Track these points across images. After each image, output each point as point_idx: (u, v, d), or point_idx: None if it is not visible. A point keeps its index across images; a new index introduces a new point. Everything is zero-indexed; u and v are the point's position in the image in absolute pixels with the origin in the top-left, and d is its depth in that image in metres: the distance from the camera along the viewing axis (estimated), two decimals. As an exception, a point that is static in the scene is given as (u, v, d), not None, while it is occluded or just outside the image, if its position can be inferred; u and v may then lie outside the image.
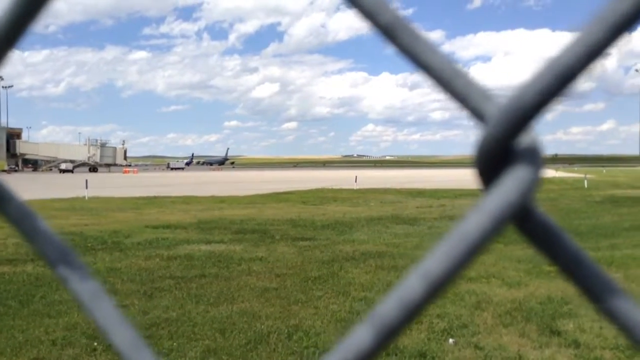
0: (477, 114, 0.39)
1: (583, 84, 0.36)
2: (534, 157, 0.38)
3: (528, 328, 5.64)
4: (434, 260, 0.37)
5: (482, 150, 0.38)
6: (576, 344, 5.14)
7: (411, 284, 0.37)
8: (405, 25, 0.40)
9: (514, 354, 4.96)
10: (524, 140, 0.38)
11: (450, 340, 5.32)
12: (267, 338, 5.41)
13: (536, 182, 0.38)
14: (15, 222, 0.49)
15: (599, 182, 41.33)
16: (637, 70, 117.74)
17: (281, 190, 30.27)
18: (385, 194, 28.20)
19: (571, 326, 5.63)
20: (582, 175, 44.98)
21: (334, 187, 33.54)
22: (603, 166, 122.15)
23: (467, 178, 54.08)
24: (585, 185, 34.47)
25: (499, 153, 0.38)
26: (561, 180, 46.21)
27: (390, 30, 0.40)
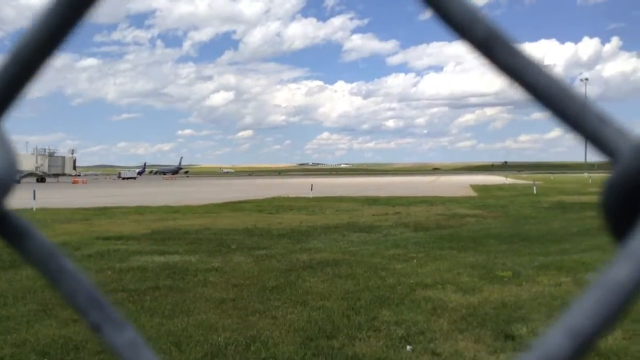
0: (604, 148, 0.35)
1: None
2: None
3: (483, 333, 5.73)
4: (581, 315, 0.33)
5: (617, 190, 0.35)
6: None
7: (557, 342, 0.32)
8: (503, 40, 0.37)
9: (469, 359, 5.03)
10: None
11: (408, 347, 5.35)
12: (224, 350, 5.32)
13: None
14: (38, 262, 0.43)
15: (548, 189, 42.65)
16: (581, 80, 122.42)
17: (236, 199, 30.02)
18: (341, 202, 28.33)
19: (525, 330, 5.75)
20: (531, 182, 46.32)
21: (290, 196, 33.48)
22: (551, 173, 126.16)
23: (420, 186, 54.94)
24: (534, 192, 35.50)
25: (634, 195, 0.34)
26: (511, 187, 47.46)
27: (485, 46, 0.37)
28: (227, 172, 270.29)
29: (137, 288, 7.94)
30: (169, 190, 47.48)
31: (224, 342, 5.51)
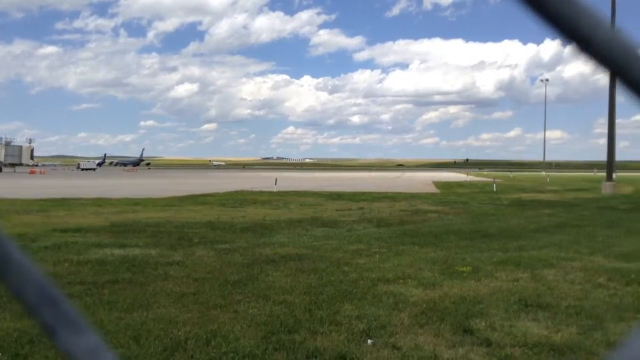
0: None
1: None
2: None
3: (442, 327, 5.81)
4: None
5: None
6: (488, 343, 5.36)
7: None
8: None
9: (429, 353, 5.09)
10: None
11: (369, 341, 5.39)
12: (184, 344, 5.26)
13: None
14: None
15: (507, 186, 43.56)
16: (542, 81, 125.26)
17: (199, 193, 29.71)
18: (305, 196, 28.34)
19: (483, 325, 5.86)
20: (491, 180, 47.21)
21: (254, 190, 33.32)
22: (510, 171, 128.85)
23: (383, 182, 55.42)
24: (494, 189, 36.20)
25: None
26: (472, 184, 48.33)
27: None
28: (218, 165, 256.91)
29: (95, 281, 7.77)
30: (131, 183, 46.67)
31: (184, 337, 5.44)
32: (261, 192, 30.87)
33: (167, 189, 34.34)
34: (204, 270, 8.62)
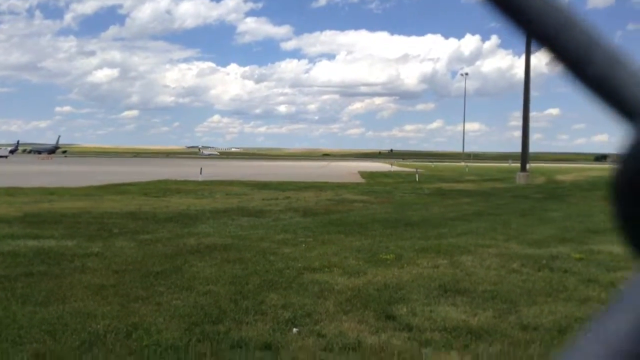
0: (626, 105, 0.29)
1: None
2: None
3: (366, 314, 5.93)
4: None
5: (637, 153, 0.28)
6: (409, 328, 5.51)
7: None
8: None
9: (353, 339, 5.18)
10: None
11: (294, 330, 5.42)
12: (103, 338, 5.08)
13: None
14: None
15: (429, 176, 44.93)
16: (462, 75, 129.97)
17: (120, 182, 28.72)
18: (231, 185, 28.03)
19: (405, 310, 6.03)
20: (414, 170, 48.53)
21: (178, 179, 32.59)
22: (431, 161, 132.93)
23: (310, 171, 55.71)
24: (417, 179, 37.24)
25: None
26: (396, 174, 49.49)
27: None
28: (211, 154, 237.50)
29: (7, 274, 7.36)
30: (47, 170, 44.42)
31: (102, 330, 5.26)
32: (185, 181, 30.25)
33: (86, 177, 32.96)
34: (124, 262, 8.35)
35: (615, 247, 9.94)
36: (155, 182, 29.30)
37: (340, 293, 6.74)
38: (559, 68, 0.30)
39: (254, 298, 6.46)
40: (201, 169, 35.67)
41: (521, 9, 0.30)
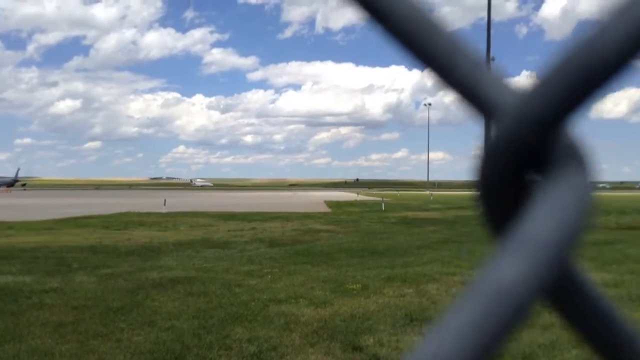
0: (486, 106, 0.30)
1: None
2: (581, 163, 0.28)
3: (333, 345, 5.86)
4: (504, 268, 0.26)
5: (498, 156, 0.28)
6: (376, 358, 5.46)
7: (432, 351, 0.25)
8: None
9: (320, 372, 5.10)
10: (561, 140, 0.28)
11: (260, 364, 5.30)
12: (59, 379, 4.88)
13: (593, 194, 0.28)
14: None
15: (394, 205, 45.26)
16: (425, 105, 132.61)
17: (81, 215, 28.06)
18: (196, 217, 27.67)
19: (371, 341, 5.98)
20: (380, 199, 48.84)
21: (141, 211, 32.03)
22: (397, 190, 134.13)
23: (276, 201, 55.53)
24: (383, 208, 37.47)
25: (522, 157, 0.28)
26: (362, 203, 49.70)
27: None
28: (204, 185, 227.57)
29: (-43, 314, 7.04)
30: (4, 204, 43.14)
31: (60, 370, 5.05)
32: (149, 213, 29.74)
33: (46, 211, 32.11)
34: (84, 298, 8.10)
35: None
36: (117, 215, 28.72)
37: (307, 325, 6.65)
38: (428, 73, 0.31)
39: (218, 332, 6.32)
40: (165, 200, 35.16)
41: (385, 15, 0.31)
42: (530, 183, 0.29)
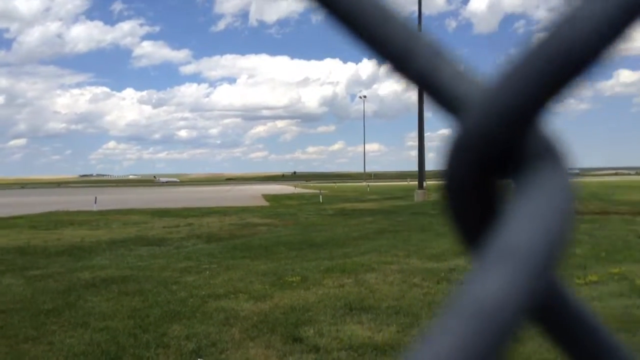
0: (449, 99, 0.28)
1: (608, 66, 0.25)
2: (557, 159, 0.26)
3: (273, 339, 5.86)
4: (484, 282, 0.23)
5: (463, 151, 0.26)
6: (316, 349, 5.51)
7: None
8: None
9: (261, 365, 5.09)
10: (533, 135, 0.26)
11: (199, 361, 5.24)
12: (-14, 387, 4.65)
13: (573, 193, 0.26)
14: None
15: (332, 197, 45.61)
16: (360, 98, 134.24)
17: (6, 215, 26.73)
18: (129, 214, 26.92)
19: (311, 332, 6.02)
20: (317, 191, 49.13)
21: (71, 210, 30.86)
22: (334, 182, 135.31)
23: (213, 196, 54.81)
24: (320, 200, 37.70)
25: (491, 154, 0.26)
26: (300, 196, 49.82)
27: None
28: (169, 181, 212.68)
29: None
30: None
31: (-14, 378, 4.81)
32: (79, 212, 28.70)
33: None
34: (12, 301, 7.74)
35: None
36: (45, 214, 27.56)
37: (246, 319, 6.62)
38: (383, 65, 0.29)
39: (155, 331, 6.19)
40: (95, 198, 34.02)
41: (336, 1, 0.29)
42: (501, 184, 0.27)
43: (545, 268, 0.24)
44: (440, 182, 0.28)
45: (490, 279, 0.24)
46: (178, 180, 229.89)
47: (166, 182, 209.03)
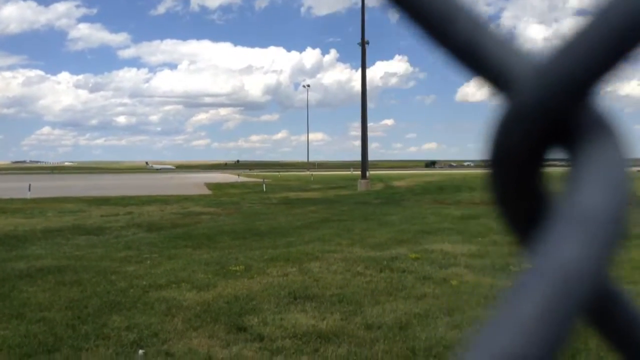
0: (500, 75, 0.27)
1: None
2: (611, 133, 0.26)
3: (217, 328, 5.83)
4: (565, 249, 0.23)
5: (514, 128, 0.25)
6: (260, 338, 5.52)
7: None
8: None
9: (204, 355, 5.06)
10: (588, 110, 0.26)
11: (140, 352, 5.15)
12: None
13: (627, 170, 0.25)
14: None
15: (275, 186, 45.53)
16: (304, 87, 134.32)
17: None
18: (65, 202, 26.02)
19: (256, 321, 6.02)
20: (261, 180, 48.90)
21: (2, 197, 29.52)
22: (278, 171, 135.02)
23: (155, 184, 53.66)
24: (264, 189, 37.56)
25: (544, 130, 0.25)
26: (243, 185, 49.48)
27: None
28: (163, 168, 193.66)
29: None
30: None
31: None
32: (11, 200, 27.50)
33: None
34: (-62, 293, 7.36)
35: (445, 245, 10.86)
36: (-26, 202, 26.26)
37: (189, 309, 6.55)
38: (421, 34, 0.28)
39: (95, 322, 6.04)
40: (29, 185, 32.66)
41: None
42: (552, 161, 0.27)
43: (617, 236, 0.24)
44: (485, 158, 0.27)
45: (571, 244, 0.23)
46: (174, 168, 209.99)
47: (160, 169, 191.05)
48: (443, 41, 0.28)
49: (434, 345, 5.20)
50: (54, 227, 15.63)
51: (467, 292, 7.16)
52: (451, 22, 0.28)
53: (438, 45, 0.28)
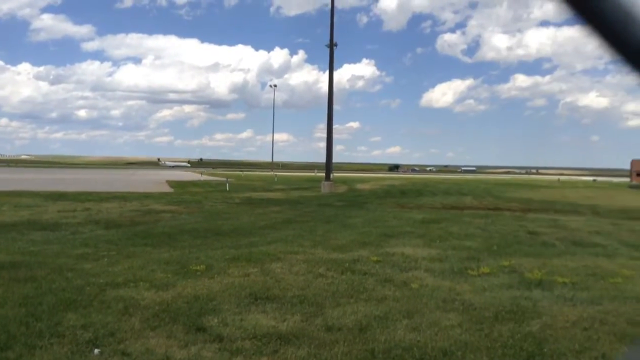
0: None
1: None
2: None
3: (175, 328, 5.74)
4: None
5: None
6: (220, 338, 5.46)
7: None
8: None
9: (161, 356, 4.98)
10: None
11: (96, 351, 5.04)
12: None
13: None
14: None
15: (239, 185, 45.26)
16: (271, 86, 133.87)
17: None
18: (20, 197, 25.30)
19: (215, 321, 5.96)
20: (224, 179, 48.52)
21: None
22: (242, 171, 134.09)
23: (114, 180, 52.63)
24: (227, 188, 37.29)
25: None
26: (206, 183, 49.00)
27: None
28: (177, 165, 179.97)
29: None
30: None
31: None
32: (-36, 193, 26.60)
33: None
34: None
35: (406, 249, 10.97)
36: None
37: (147, 308, 6.44)
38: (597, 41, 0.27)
39: (49, 319, 5.88)
40: (-16, 178, 31.63)
41: None
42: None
43: None
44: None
45: None
46: (189, 165, 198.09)
47: (174, 166, 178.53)
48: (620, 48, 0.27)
49: (393, 348, 5.24)
50: (9, 221, 15.18)
51: (427, 295, 7.25)
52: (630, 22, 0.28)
53: (615, 52, 0.28)
